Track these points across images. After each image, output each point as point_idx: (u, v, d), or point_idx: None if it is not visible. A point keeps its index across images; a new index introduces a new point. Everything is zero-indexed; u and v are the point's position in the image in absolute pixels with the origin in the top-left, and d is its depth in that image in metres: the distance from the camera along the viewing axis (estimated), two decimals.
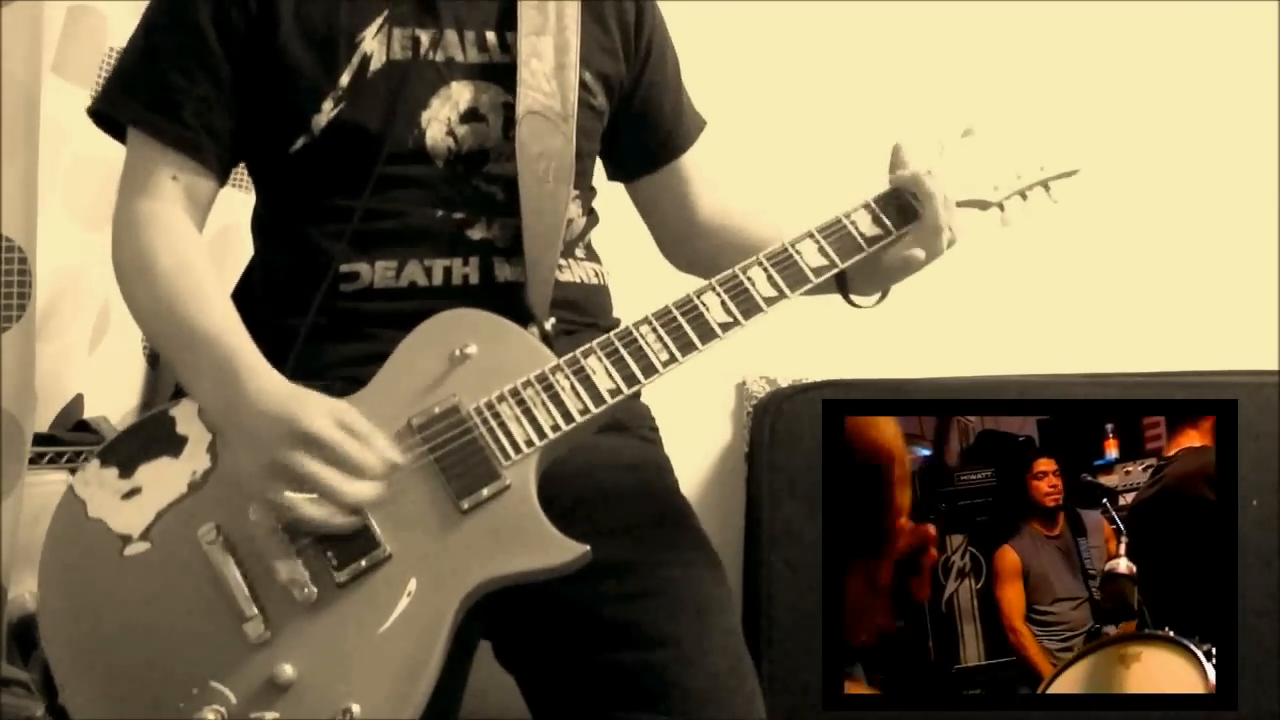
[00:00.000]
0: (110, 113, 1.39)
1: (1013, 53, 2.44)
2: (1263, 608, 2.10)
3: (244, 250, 1.51)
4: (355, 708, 1.14)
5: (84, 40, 2.00)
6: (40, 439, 1.87)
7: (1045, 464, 2.08)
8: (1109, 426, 2.09)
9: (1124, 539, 2.07)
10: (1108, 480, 2.09)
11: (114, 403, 2.12)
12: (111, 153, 1.43)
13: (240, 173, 1.45)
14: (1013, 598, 2.08)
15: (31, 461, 1.80)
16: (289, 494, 1.16)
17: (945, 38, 2.48)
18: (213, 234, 2.00)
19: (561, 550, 1.19)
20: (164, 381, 2.24)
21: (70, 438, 1.94)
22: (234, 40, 1.33)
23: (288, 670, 1.15)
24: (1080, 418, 2.11)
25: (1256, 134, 2.47)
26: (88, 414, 2.06)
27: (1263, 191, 2.47)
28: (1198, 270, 2.47)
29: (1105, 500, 2.08)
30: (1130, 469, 2.09)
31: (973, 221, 1.40)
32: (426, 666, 1.16)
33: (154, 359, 2.26)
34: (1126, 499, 2.08)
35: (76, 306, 2.04)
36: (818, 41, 2.50)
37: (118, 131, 1.40)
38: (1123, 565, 2.08)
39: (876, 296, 1.41)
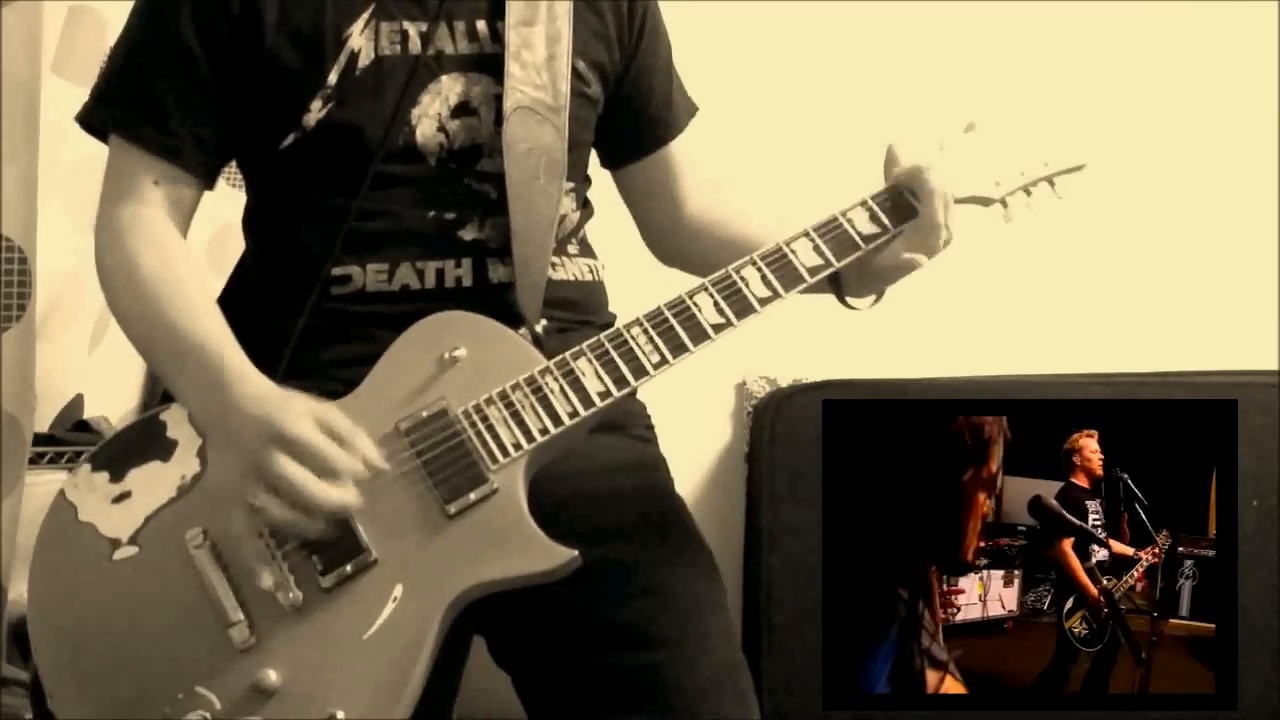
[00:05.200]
0: (92, 121, 1.38)
1: (1014, 49, 2.42)
2: (1263, 608, 2.10)
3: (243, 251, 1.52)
4: (340, 714, 1.13)
5: (84, 40, 2.01)
6: (40, 439, 1.88)
7: None
8: None
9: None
10: None
11: (114, 403, 2.13)
12: None
13: (239, 173, 1.45)
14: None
15: (31, 461, 1.81)
16: (263, 496, 1.15)
17: (947, 32, 2.47)
18: (212, 234, 2.02)
19: (549, 556, 1.18)
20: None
21: (70, 438, 1.95)
22: (217, 42, 1.31)
23: (272, 676, 1.14)
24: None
25: (1257, 134, 2.45)
26: (88, 414, 2.07)
27: (1263, 191, 2.44)
28: (1198, 270, 2.45)
29: None
30: None
31: (974, 219, 1.38)
32: (412, 673, 1.15)
33: None
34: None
35: (76, 306, 2.05)
36: (817, 37, 2.47)
37: (105, 138, 1.39)
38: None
39: (872, 299, 1.39)
